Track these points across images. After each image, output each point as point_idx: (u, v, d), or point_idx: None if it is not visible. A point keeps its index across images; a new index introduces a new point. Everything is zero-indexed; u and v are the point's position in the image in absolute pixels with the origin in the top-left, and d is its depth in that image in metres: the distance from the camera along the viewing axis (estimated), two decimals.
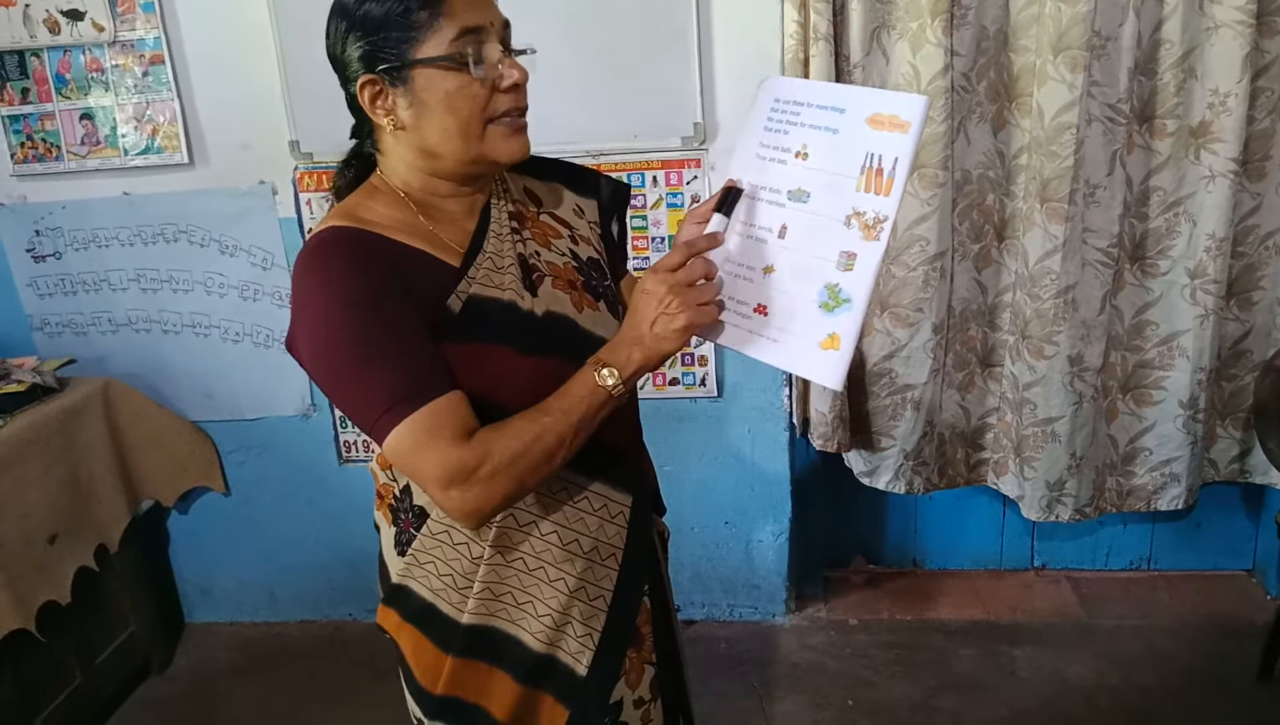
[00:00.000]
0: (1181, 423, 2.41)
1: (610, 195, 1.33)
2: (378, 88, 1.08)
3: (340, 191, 1.20)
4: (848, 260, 1.04)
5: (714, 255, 1.11)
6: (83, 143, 2.56)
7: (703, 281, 1.07)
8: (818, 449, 2.51)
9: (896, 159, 1.02)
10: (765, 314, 1.08)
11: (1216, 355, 2.38)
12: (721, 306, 1.09)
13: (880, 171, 1.03)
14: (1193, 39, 2.16)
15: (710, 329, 1.10)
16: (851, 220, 1.04)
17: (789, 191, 1.09)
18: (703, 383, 2.57)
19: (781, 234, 1.09)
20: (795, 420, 2.57)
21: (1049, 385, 2.34)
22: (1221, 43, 2.13)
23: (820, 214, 1.06)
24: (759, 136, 1.13)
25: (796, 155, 1.09)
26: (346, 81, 1.11)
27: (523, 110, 1.12)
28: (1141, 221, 2.33)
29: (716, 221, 1.10)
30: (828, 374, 1.05)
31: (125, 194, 2.60)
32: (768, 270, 1.09)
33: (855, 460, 2.58)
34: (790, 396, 2.56)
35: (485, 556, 1.15)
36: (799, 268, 1.07)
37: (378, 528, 1.26)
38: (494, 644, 1.18)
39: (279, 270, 2.60)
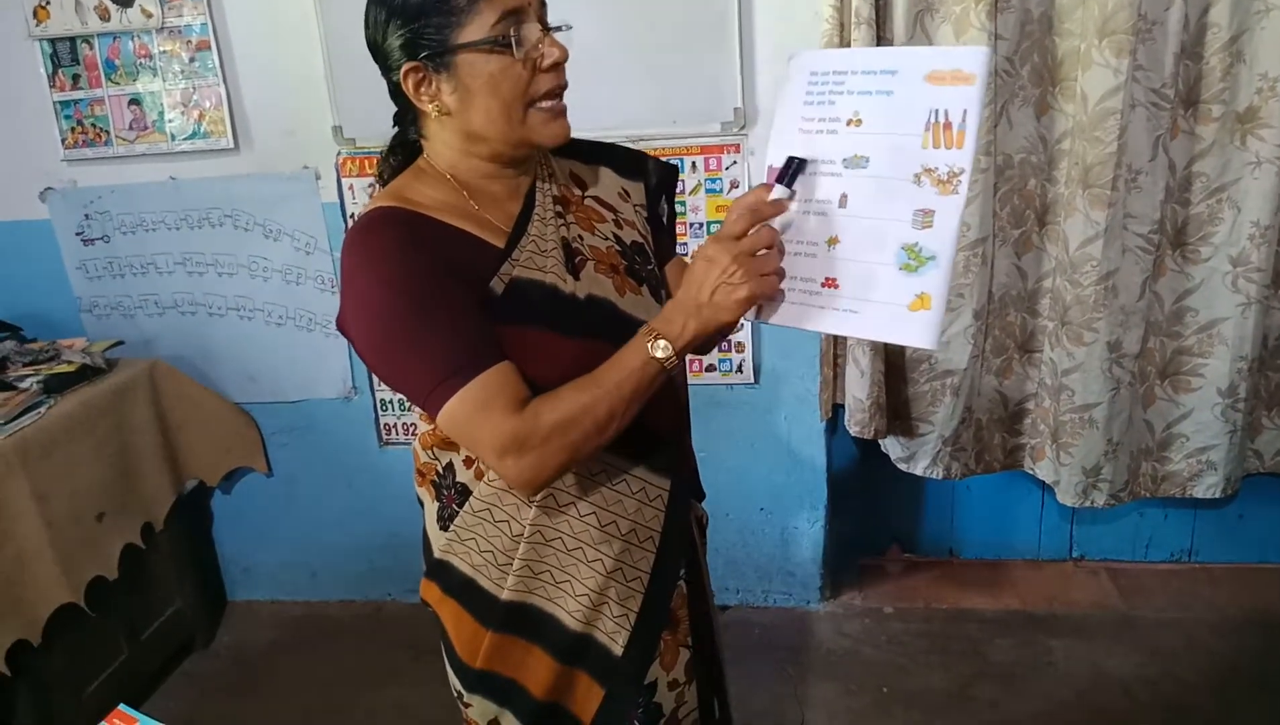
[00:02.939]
0: (1220, 411, 2.37)
1: (658, 178, 1.34)
2: (421, 75, 1.09)
3: (386, 180, 1.21)
4: (924, 217, 1.02)
5: (795, 202, 1.10)
6: (131, 128, 2.60)
7: (765, 251, 1.04)
8: (854, 436, 2.51)
9: (965, 111, 1.00)
10: (836, 287, 1.06)
11: (1262, 344, 2.34)
12: (782, 275, 1.06)
13: (949, 125, 1.01)
14: (1242, 22, 2.12)
15: (769, 305, 1.08)
16: (922, 178, 1.02)
17: (845, 160, 1.06)
18: (740, 369, 2.57)
19: (842, 203, 1.06)
20: (822, 408, 2.56)
21: (1088, 372, 2.32)
22: (1272, 26, 2.09)
23: (884, 176, 1.04)
24: (799, 111, 1.10)
25: (849, 123, 1.06)
26: (389, 70, 1.12)
27: (563, 89, 1.13)
28: (1184, 207, 2.30)
29: (779, 191, 1.06)
30: (921, 335, 1.02)
31: (172, 178, 2.64)
32: (832, 241, 1.06)
33: (893, 446, 2.57)
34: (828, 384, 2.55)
35: (525, 535, 1.17)
36: (869, 233, 1.04)
37: (420, 503, 1.28)
38: (532, 621, 1.19)
39: (321, 254, 2.64)
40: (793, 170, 1.07)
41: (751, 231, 1.04)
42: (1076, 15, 2.16)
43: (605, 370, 1.07)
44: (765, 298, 1.05)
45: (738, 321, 1.05)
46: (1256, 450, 2.48)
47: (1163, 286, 2.35)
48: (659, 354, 1.05)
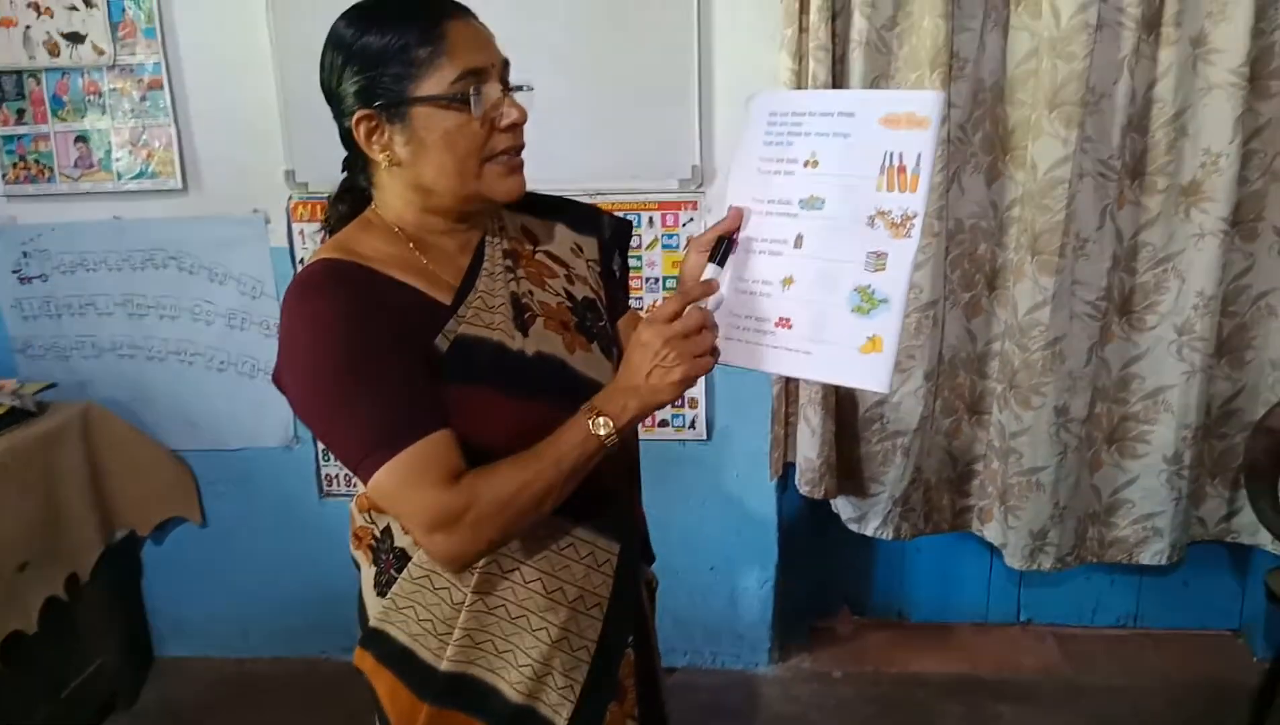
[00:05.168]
0: (1165, 478, 2.40)
1: (611, 232, 1.32)
2: (374, 123, 1.07)
3: (333, 225, 1.19)
4: (877, 260, 1.03)
5: (727, 278, 1.10)
6: (76, 165, 2.54)
7: (699, 332, 1.05)
8: (804, 495, 2.49)
9: (919, 155, 1.01)
10: (789, 327, 1.06)
11: (1206, 412, 2.38)
12: (717, 354, 1.07)
13: (903, 169, 1.02)
14: (1186, 98, 2.18)
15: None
16: (876, 220, 1.03)
17: (800, 201, 1.07)
18: (692, 425, 2.55)
19: (798, 244, 1.07)
20: (772, 466, 2.53)
21: (1035, 435, 2.34)
22: (1214, 103, 2.15)
23: (839, 218, 1.05)
24: (758, 151, 1.12)
25: (805, 164, 1.08)
26: (341, 115, 1.10)
27: (520, 149, 1.12)
28: (1130, 276, 2.34)
29: (710, 271, 1.09)
30: (873, 378, 1.03)
31: (116, 218, 2.58)
32: (787, 282, 1.07)
33: (844, 506, 2.56)
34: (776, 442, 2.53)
35: (467, 603, 1.12)
36: (823, 274, 1.05)
37: (357, 565, 1.23)
38: (472, 693, 1.14)
39: (268, 299, 2.58)
40: (724, 250, 1.09)
41: (685, 314, 1.04)
42: (1028, 86, 2.21)
43: (545, 446, 1.05)
44: (700, 376, 1.06)
45: (675, 400, 1.07)
46: (1200, 517, 2.51)
47: (1110, 353, 2.39)
48: (600, 432, 1.05)
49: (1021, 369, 2.30)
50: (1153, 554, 2.47)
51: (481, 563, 1.11)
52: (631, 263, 2.42)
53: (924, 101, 1.02)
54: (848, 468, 2.50)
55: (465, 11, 1.09)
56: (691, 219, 2.42)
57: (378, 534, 1.18)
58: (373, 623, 1.18)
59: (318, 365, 1.03)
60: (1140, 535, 2.48)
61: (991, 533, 2.52)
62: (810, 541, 2.77)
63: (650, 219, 2.43)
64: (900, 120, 1.02)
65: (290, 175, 2.48)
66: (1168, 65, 2.14)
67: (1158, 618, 2.82)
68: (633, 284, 2.46)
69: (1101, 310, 2.31)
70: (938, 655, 2.76)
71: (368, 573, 1.20)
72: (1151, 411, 2.40)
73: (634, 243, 2.41)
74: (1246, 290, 2.33)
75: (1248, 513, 2.40)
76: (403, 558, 1.15)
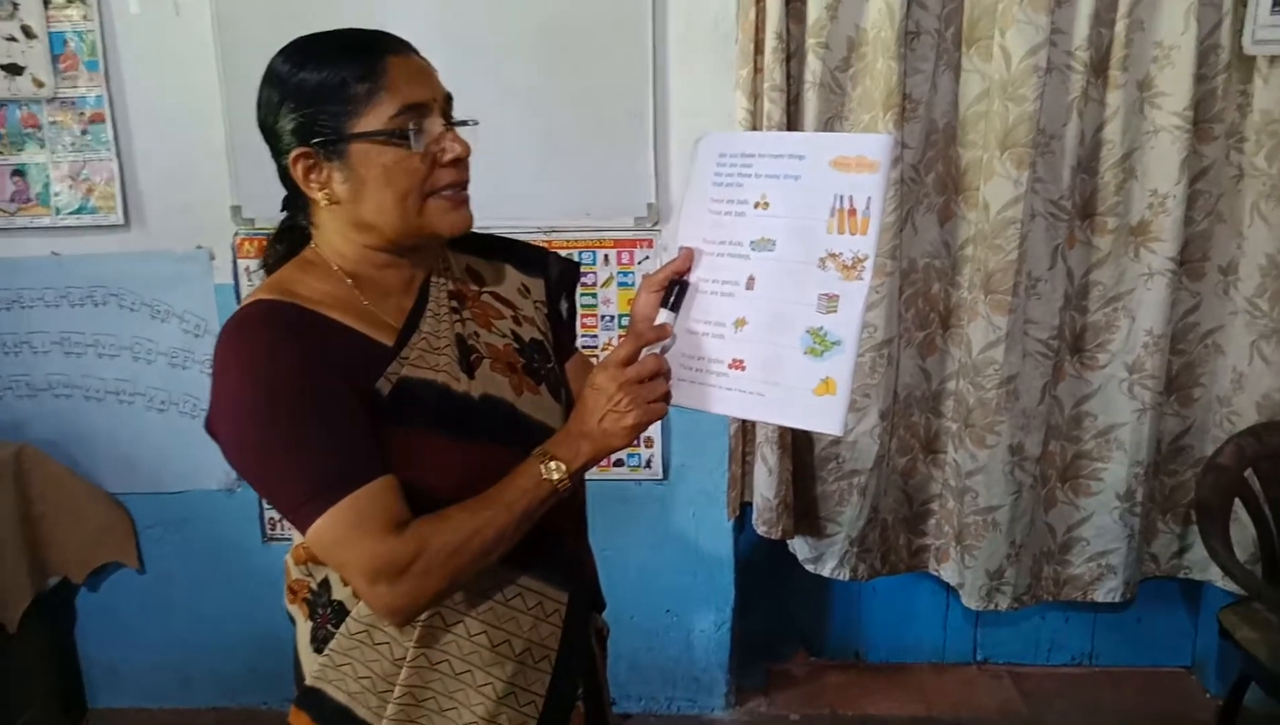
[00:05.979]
0: (1118, 515, 2.41)
1: (559, 274, 1.30)
2: (312, 161, 1.04)
3: (271, 265, 1.15)
4: (829, 302, 1.02)
5: (681, 319, 1.09)
6: (12, 199, 2.46)
7: (652, 378, 1.05)
8: (761, 535, 2.46)
9: (869, 198, 1.02)
10: (743, 369, 1.05)
11: (1156, 449, 2.40)
12: (669, 398, 1.07)
13: (853, 212, 1.02)
14: (1133, 141, 2.22)
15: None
16: (826, 262, 1.03)
17: (752, 242, 1.07)
18: (648, 464, 2.52)
19: (749, 285, 1.06)
20: (729, 506, 2.51)
21: (990, 474, 2.34)
22: (1160, 146, 2.19)
23: (790, 260, 1.05)
24: (708, 192, 1.11)
25: (756, 205, 1.07)
26: (279, 154, 1.08)
27: (464, 183, 1.09)
28: (1081, 315, 2.36)
29: (664, 316, 1.08)
30: (827, 421, 1.02)
31: (54, 254, 2.50)
32: (739, 323, 1.06)
33: (800, 547, 2.54)
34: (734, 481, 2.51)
35: (409, 658, 1.07)
36: (775, 316, 1.04)
37: (292, 620, 1.17)
38: None
39: (211, 337, 2.51)
40: (676, 294, 1.08)
41: (639, 360, 1.05)
42: (979, 127, 2.23)
43: (496, 491, 1.02)
44: (653, 422, 1.05)
45: (628, 445, 1.06)
46: (1153, 554, 2.52)
47: (1062, 391, 2.40)
48: (554, 476, 1.03)
49: (976, 407, 2.31)
50: (1107, 591, 2.48)
51: (424, 615, 1.07)
52: (586, 300, 2.41)
53: (874, 145, 1.03)
54: (804, 507, 2.48)
55: (405, 46, 1.07)
56: (647, 257, 2.40)
57: (315, 587, 1.12)
58: (309, 681, 1.12)
59: (252, 410, 0.99)
60: (1095, 573, 2.48)
61: (948, 573, 2.51)
62: (767, 582, 2.74)
63: (606, 257, 2.41)
64: (851, 163, 1.03)
65: (236, 211, 2.43)
66: (1115, 108, 2.18)
67: (1112, 655, 2.82)
68: (589, 321, 2.44)
69: (1054, 349, 2.32)
70: (894, 696, 2.73)
71: (304, 628, 1.15)
72: (1104, 449, 2.41)
73: (589, 280, 2.40)
74: (1194, 328, 2.36)
75: (1199, 549, 2.42)
76: (341, 612, 1.10)
